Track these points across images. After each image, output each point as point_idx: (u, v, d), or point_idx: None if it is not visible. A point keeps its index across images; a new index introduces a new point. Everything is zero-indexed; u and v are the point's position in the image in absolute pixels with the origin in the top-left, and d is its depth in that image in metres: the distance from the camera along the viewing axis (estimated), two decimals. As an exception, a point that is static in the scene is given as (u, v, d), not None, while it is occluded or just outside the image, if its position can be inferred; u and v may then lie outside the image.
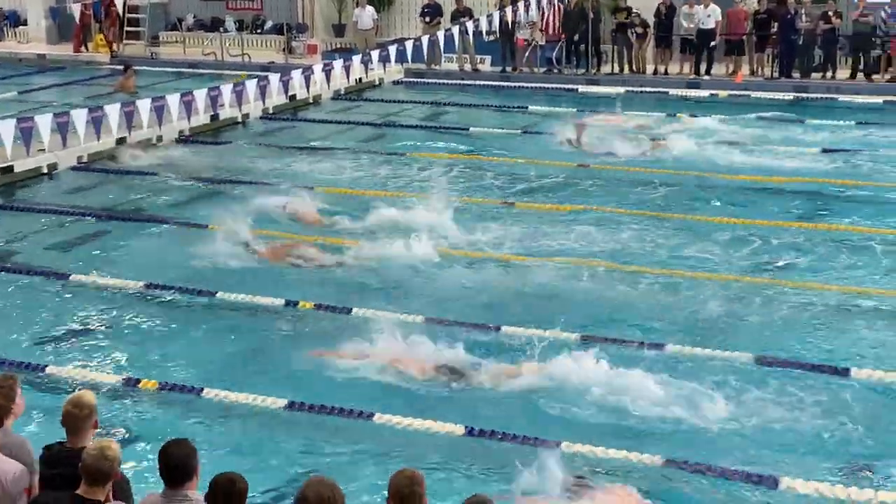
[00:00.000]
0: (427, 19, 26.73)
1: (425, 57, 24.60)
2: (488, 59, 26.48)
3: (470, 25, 24.01)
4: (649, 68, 25.11)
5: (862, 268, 11.98)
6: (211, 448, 7.74)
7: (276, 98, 21.19)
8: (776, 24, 23.83)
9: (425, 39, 23.28)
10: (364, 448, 8.08)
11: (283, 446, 8.19)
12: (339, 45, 29.03)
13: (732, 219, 13.86)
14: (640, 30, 24.69)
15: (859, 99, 22.10)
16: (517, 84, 24.81)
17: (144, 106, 17.70)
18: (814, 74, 23.86)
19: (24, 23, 32.07)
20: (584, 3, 25.41)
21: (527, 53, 25.80)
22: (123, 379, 9.25)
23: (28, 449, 5.69)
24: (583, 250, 12.70)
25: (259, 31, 30.67)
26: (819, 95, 22.56)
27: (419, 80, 25.67)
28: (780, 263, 12.22)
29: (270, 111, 21.57)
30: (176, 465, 5.24)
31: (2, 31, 32.38)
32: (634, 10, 24.85)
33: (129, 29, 30.20)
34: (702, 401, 8.67)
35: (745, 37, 24.36)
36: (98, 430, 5.81)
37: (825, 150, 17.74)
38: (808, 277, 11.68)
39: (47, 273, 12.14)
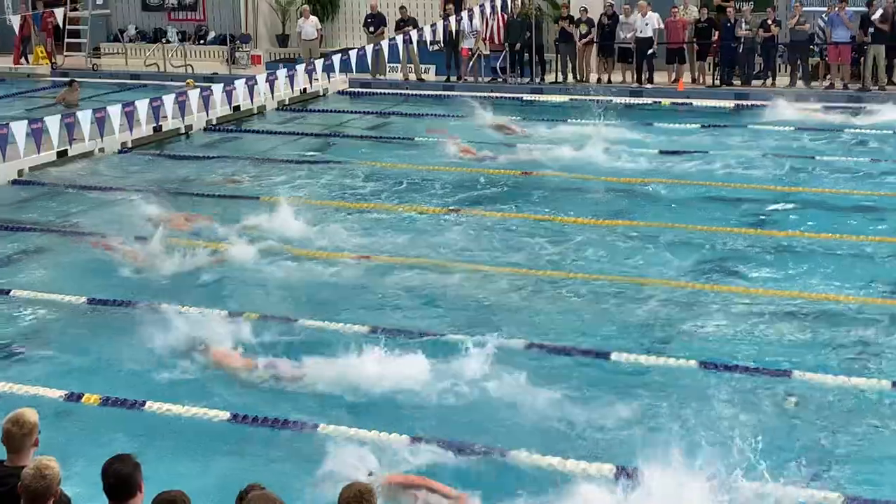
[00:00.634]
0: (371, 29, 26.72)
1: (370, 67, 24.59)
2: (432, 68, 26.54)
3: (414, 35, 24.03)
4: (593, 77, 25.30)
5: (803, 272, 12.10)
6: (155, 462, 7.64)
7: (219, 109, 21.05)
8: (717, 33, 24.14)
9: (369, 49, 23.26)
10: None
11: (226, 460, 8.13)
12: (282, 56, 28.94)
13: (676, 224, 13.98)
14: (585, 29, 24.82)
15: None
16: (462, 93, 24.86)
17: (85, 118, 17.48)
18: (754, 82, 24.17)
19: (-38, 35, 31.69)
20: (528, 12, 25.56)
21: (471, 63, 25.87)
22: (65, 394, 9.14)
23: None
24: (529, 258, 12.75)
25: (202, 41, 30.49)
26: (759, 102, 22.81)
27: (364, 90, 25.64)
28: (723, 269, 12.33)
29: (214, 122, 21.43)
30: (119, 481, 5.17)
31: (-61, 43, 31.97)
32: (581, 7, 25.02)
33: (69, 40, 29.88)
34: (645, 407, 8.72)
35: (686, 45, 24.63)
36: (38, 447, 5.72)
37: (765, 155, 17.99)
38: (751, 283, 11.79)
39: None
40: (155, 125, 19.32)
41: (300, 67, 22.35)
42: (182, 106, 19.40)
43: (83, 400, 9.04)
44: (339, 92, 25.36)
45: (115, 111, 17.96)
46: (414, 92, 25.22)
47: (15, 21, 28.49)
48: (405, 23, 25.84)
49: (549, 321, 10.83)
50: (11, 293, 11.77)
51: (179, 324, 10.26)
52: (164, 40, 29.74)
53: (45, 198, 16.20)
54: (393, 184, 16.49)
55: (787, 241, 13.31)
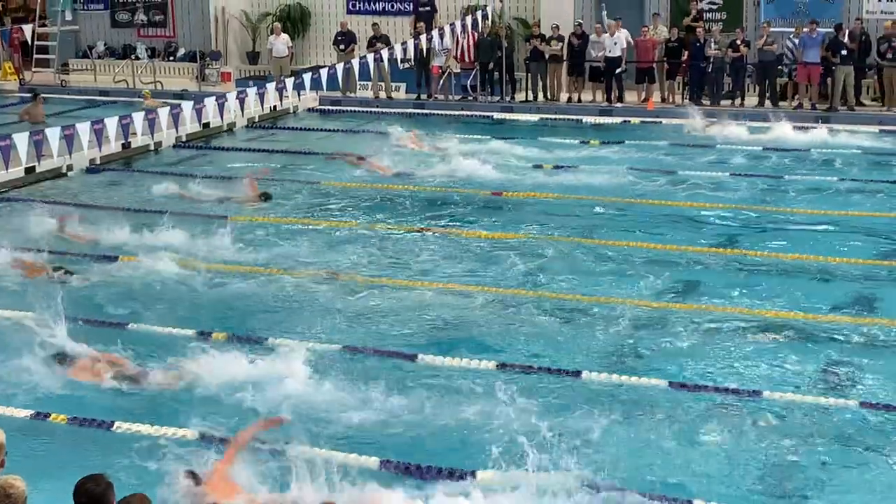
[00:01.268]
0: (341, 47, 26.73)
1: (340, 84, 24.59)
2: (403, 86, 26.56)
3: (385, 53, 24.05)
4: (563, 96, 25.40)
5: (768, 292, 12.15)
6: (126, 481, 7.56)
7: (189, 126, 20.96)
8: (686, 53, 24.31)
9: (340, 67, 23.26)
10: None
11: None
12: (253, 73, 28.93)
13: (643, 243, 14.02)
14: (556, 45, 24.91)
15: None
16: (432, 111, 24.91)
17: (54, 134, 17.38)
18: (723, 101, 24.33)
19: (-71, 50, 31.45)
20: (498, 30, 25.64)
21: (441, 81, 25.92)
22: (32, 413, 9.04)
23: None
24: (498, 277, 12.75)
25: (171, 58, 30.41)
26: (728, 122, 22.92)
27: (334, 107, 25.61)
28: (690, 288, 12.36)
29: (184, 139, 21.34)
30: (92, 501, 5.13)
31: None
32: (553, 24, 25.13)
33: (38, 56, 29.73)
34: (615, 426, 8.72)
35: (655, 64, 24.78)
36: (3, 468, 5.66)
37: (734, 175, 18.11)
38: (718, 302, 11.82)
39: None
40: (124, 142, 19.21)
41: (270, 85, 22.31)
42: (151, 123, 19.33)
43: (50, 419, 8.94)
44: (309, 109, 25.32)
45: (83, 128, 17.85)
46: (384, 110, 25.20)
47: (-18, 37, 28.35)
48: (377, 40, 25.86)
49: (518, 340, 10.82)
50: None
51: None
52: (133, 57, 29.63)
53: (11, 215, 16.05)
54: (357, 201, 16.49)
55: (754, 261, 13.35)
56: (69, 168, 18.56)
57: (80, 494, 5.15)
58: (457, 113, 24.71)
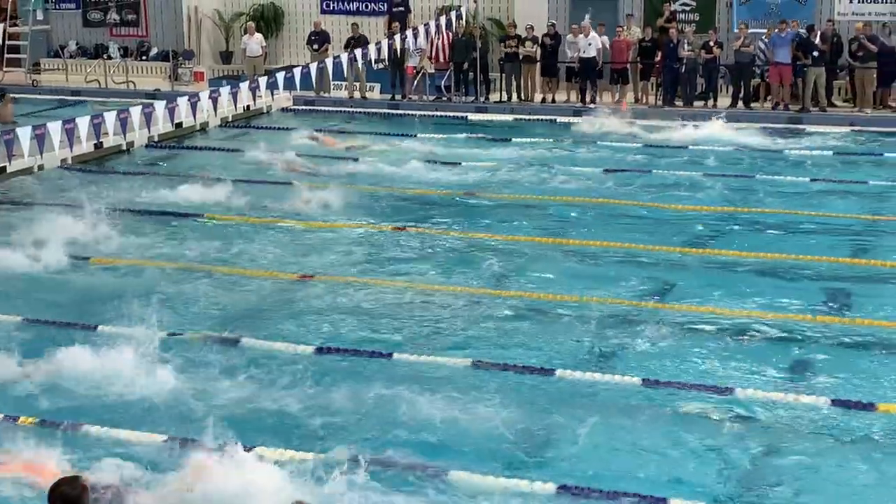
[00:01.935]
0: (315, 47, 26.67)
1: (314, 84, 24.52)
2: (377, 86, 26.51)
3: (359, 53, 24.00)
4: (537, 97, 25.42)
5: (741, 291, 12.19)
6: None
7: (161, 126, 20.84)
8: (660, 53, 24.38)
9: (313, 67, 23.19)
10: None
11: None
12: (226, 73, 28.80)
13: (616, 243, 14.05)
14: (530, 45, 24.93)
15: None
16: (407, 112, 24.89)
17: (25, 134, 17.26)
18: (696, 102, 24.42)
19: None
20: (473, 31, 25.64)
21: (416, 81, 25.89)
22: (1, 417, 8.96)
23: None
24: (473, 275, 12.75)
25: (144, 57, 30.23)
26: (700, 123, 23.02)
27: (308, 107, 25.54)
28: (662, 288, 12.40)
29: (156, 139, 21.22)
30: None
31: None
32: (528, 24, 25.15)
33: (9, 56, 29.50)
34: (589, 424, 8.74)
35: (629, 65, 24.84)
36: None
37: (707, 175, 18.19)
38: (689, 301, 11.86)
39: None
40: (96, 142, 19.10)
41: (244, 84, 22.24)
42: (123, 123, 19.22)
43: (18, 422, 8.86)
44: (282, 109, 25.24)
45: (55, 128, 17.73)
46: (359, 110, 25.17)
47: (-48, 36, 28.12)
48: (356, 41, 25.79)
49: (492, 338, 10.82)
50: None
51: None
52: (105, 56, 29.46)
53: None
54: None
55: (724, 260, 13.40)
56: (40, 168, 18.42)
57: (55, 497, 5.10)
58: (431, 113, 24.71)
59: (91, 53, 30.48)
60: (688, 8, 26.05)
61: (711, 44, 24.11)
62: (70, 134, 17.97)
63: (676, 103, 24.39)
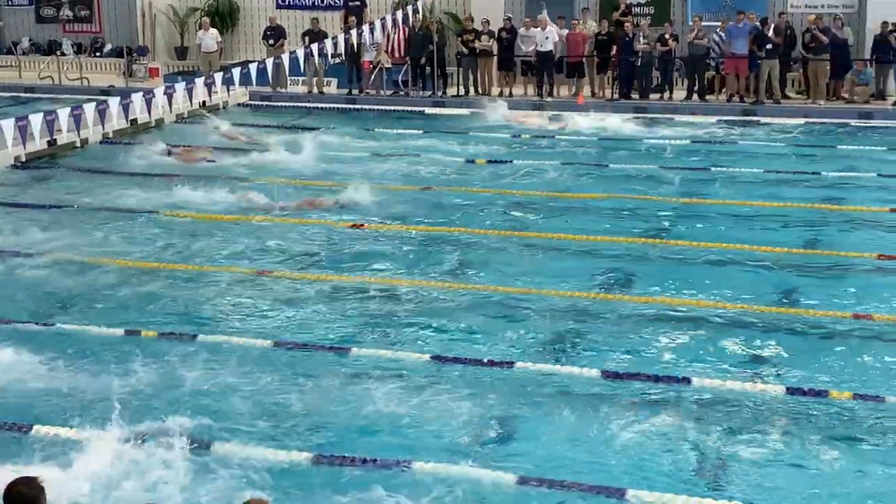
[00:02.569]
0: (270, 42, 26.55)
1: (270, 80, 24.42)
2: (334, 81, 26.45)
3: (315, 48, 23.90)
4: (494, 91, 25.44)
5: (699, 281, 12.28)
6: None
7: (116, 122, 20.66)
8: (615, 47, 24.48)
9: (269, 62, 23.08)
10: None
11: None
12: (181, 69, 28.60)
13: (577, 236, 14.10)
14: (487, 40, 24.95)
15: (695, 119, 22.91)
16: (364, 106, 24.86)
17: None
18: (652, 95, 24.56)
19: None
20: (430, 25, 25.62)
21: (373, 76, 25.84)
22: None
23: None
24: (434, 269, 12.75)
25: (98, 54, 29.99)
26: (657, 115, 23.20)
27: (264, 103, 25.43)
28: (622, 279, 12.46)
29: (111, 136, 21.03)
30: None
31: None
32: (483, 18, 25.17)
33: (-40, 53, 29.21)
34: (548, 416, 8.77)
35: (585, 59, 24.92)
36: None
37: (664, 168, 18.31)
38: (649, 292, 11.92)
39: None
40: (49, 139, 18.90)
41: (199, 80, 22.08)
42: (77, 119, 19.03)
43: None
44: (239, 105, 25.11)
45: (8, 125, 17.52)
46: (315, 105, 25.10)
47: None
48: (315, 34, 25.67)
49: (451, 332, 10.83)
50: None
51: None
52: (58, 53, 29.19)
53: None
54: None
55: (681, 251, 13.49)
56: (-7, 165, 18.24)
57: (10, 497, 5.04)
58: (388, 108, 24.69)
59: (44, 50, 30.21)
60: (643, 1, 26.20)
61: (667, 37, 24.26)
62: (23, 131, 17.77)
63: (633, 96, 24.53)
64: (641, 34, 24.30)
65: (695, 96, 24.37)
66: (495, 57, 25.29)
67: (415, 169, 18.55)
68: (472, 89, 25.52)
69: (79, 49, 30.00)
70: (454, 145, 20.71)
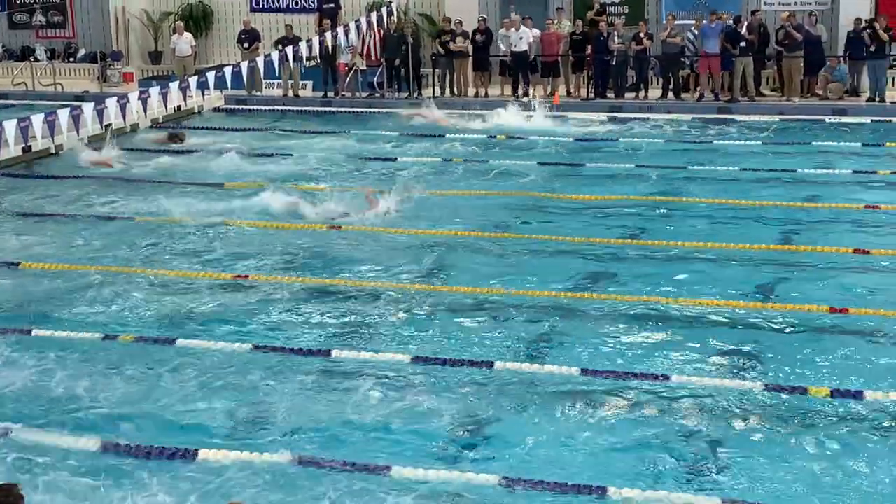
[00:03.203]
0: (245, 45, 26.48)
1: (245, 83, 24.36)
2: (310, 84, 26.40)
3: (289, 51, 23.85)
4: (470, 91, 25.45)
5: (673, 279, 12.31)
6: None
7: (90, 127, 20.54)
8: (590, 46, 24.52)
9: (244, 66, 23.02)
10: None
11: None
12: (156, 73, 28.49)
13: (554, 236, 14.11)
14: (462, 40, 24.96)
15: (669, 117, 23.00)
16: (339, 109, 24.83)
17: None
18: (627, 94, 24.62)
19: None
20: (404, 27, 25.61)
21: (348, 78, 25.81)
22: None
23: None
24: (410, 271, 12.74)
25: (72, 59, 29.84)
26: (633, 115, 23.27)
27: (240, 106, 25.37)
28: (599, 278, 12.48)
29: (86, 142, 20.90)
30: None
31: None
32: (457, 19, 25.19)
33: (-68, 59, 29.00)
34: (525, 415, 8.78)
35: (560, 59, 24.96)
36: None
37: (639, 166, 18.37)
38: (628, 291, 11.94)
39: None
40: (24, 146, 18.79)
41: (174, 85, 21.99)
42: (52, 126, 18.91)
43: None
44: (214, 109, 25.04)
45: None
46: (291, 108, 25.06)
47: None
48: (289, 40, 25.62)
49: (431, 333, 10.82)
50: None
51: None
52: (32, 59, 29.00)
53: None
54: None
55: (659, 250, 13.53)
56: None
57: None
58: (364, 110, 24.69)
59: (17, 56, 30.02)
60: (617, 1, 26.26)
61: (641, 35, 24.32)
62: (-4, 138, 17.68)
63: (608, 95, 24.58)
64: (616, 33, 24.36)
65: (670, 95, 24.45)
66: (470, 57, 25.29)
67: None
68: (447, 90, 25.51)
69: (52, 55, 29.84)
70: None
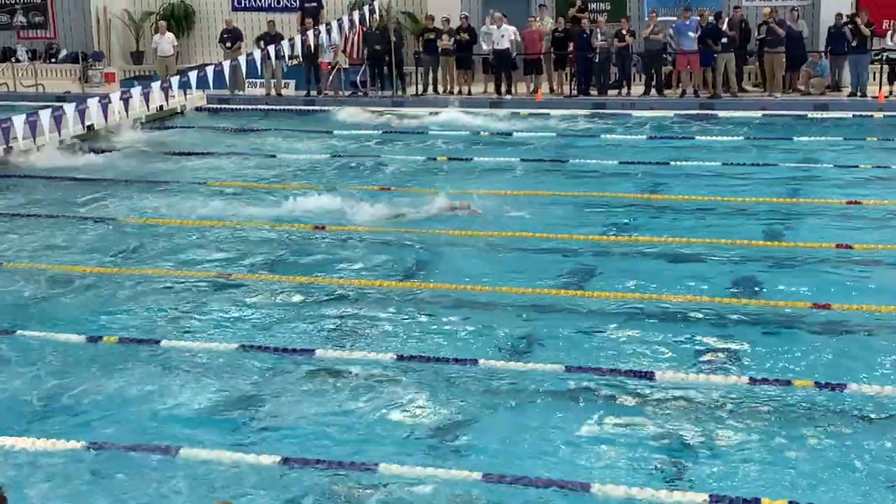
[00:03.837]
0: (227, 45, 26.42)
1: (227, 83, 24.30)
2: (292, 83, 26.36)
3: (272, 49, 23.81)
4: (455, 89, 25.43)
5: (656, 276, 12.33)
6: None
7: (72, 128, 20.47)
8: (572, 44, 24.55)
9: (227, 65, 22.96)
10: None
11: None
12: (138, 73, 28.42)
13: (534, 234, 14.12)
14: (447, 38, 24.97)
15: (650, 114, 23.07)
16: (322, 108, 24.80)
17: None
18: (610, 91, 24.65)
19: None
20: (387, 25, 25.59)
21: (331, 77, 25.77)
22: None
23: None
24: (389, 270, 12.73)
25: (53, 60, 29.72)
26: (616, 111, 23.33)
27: (222, 106, 25.31)
28: (583, 275, 12.49)
29: (67, 142, 20.83)
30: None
31: None
32: (444, 17, 25.19)
33: (-88, 61, 28.84)
34: (510, 412, 8.78)
35: (543, 56, 24.97)
36: None
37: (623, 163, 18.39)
38: (606, 287, 11.96)
39: None
40: (5, 146, 18.71)
41: (156, 84, 21.93)
42: (33, 126, 18.85)
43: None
44: (197, 108, 24.97)
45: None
46: (273, 107, 25.02)
47: None
48: (271, 37, 25.58)
49: (415, 331, 10.81)
50: None
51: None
52: (13, 59, 28.87)
53: None
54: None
55: (640, 246, 13.55)
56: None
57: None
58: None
59: (-2, 57, 29.89)
60: (599, -3, 26.32)
61: (624, 32, 24.36)
62: (-21, 138, 17.61)
63: (591, 92, 24.61)
64: (598, 30, 24.39)
65: (653, 91, 24.49)
66: (453, 55, 25.29)
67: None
68: (430, 88, 25.50)
69: (33, 55, 29.71)
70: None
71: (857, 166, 17.81)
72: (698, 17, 23.84)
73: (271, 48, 23.89)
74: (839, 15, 23.66)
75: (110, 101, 20.63)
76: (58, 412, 9.01)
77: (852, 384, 9.09)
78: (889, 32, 24.20)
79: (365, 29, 25.72)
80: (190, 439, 8.38)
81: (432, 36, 25.16)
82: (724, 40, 23.64)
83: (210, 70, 22.30)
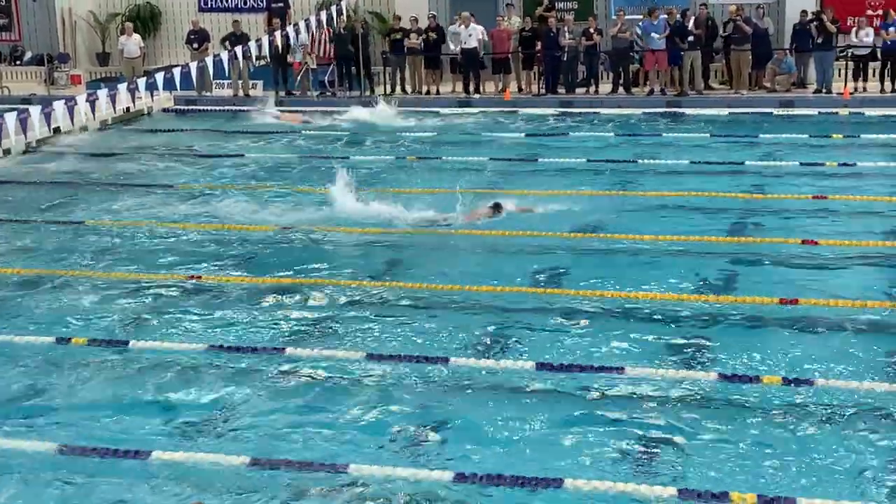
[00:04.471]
0: (194, 45, 26.31)
1: (195, 84, 24.20)
2: (260, 83, 26.29)
3: (239, 50, 23.74)
4: (423, 89, 25.44)
5: (624, 273, 12.38)
6: None
7: (38, 131, 20.34)
8: (540, 42, 24.61)
9: (193, 66, 22.87)
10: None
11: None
12: (104, 75, 28.25)
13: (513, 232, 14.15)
14: (416, 38, 24.98)
15: (620, 112, 23.15)
16: (291, 109, 24.73)
17: None
18: (578, 89, 24.73)
19: None
20: (355, 24, 25.57)
21: (299, 77, 25.72)
22: None
23: None
24: (364, 270, 12.72)
25: (18, 62, 29.50)
26: (583, 110, 23.40)
27: (190, 107, 25.21)
28: (553, 273, 12.52)
29: (34, 145, 20.71)
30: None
31: None
32: (412, 16, 25.19)
33: None
34: (481, 411, 8.80)
35: (511, 55, 25.03)
36: None
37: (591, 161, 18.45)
38: (580, 286, 12.00)
39: None
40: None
41: (122, 86, 21.82)
42: (-3, 128, 18.74)
43: None
44: (164, 110, 24.87)
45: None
46: (241, 108, 24.94)
47: None
48: (237, 37, 25.50)
49: (385, 330, 10.81)
50: None
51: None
52: (-23, 62, 28.67)
53: None
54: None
55: (612, 245, 13.60)
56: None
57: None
58: (315, 109, 24.62)
59: (-38, 60, 29.65)
60: (566, -4, 26.41)
61: (591, 31, 24.44)
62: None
63: (559, 91, 24.69)
64: (566, 29, 24.46)
65: (620, 89, 24.60)
66: (422, 55, 25.31)
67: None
68: (398, 88, 25.50)
69: (-2, 58, 29.53)
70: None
71: (823, 164, 17.94)
72: (666, 16, 23.96)
73: (238, 49, 23.80)
74: (804, 12, 23.85)
75: (76, 104, 20.49)
76: (27, 413, 8.95)
77: (820, 379, 9.17)
78: (854, 29, 24.40)
79: (332, 29, 25.69)
80: (161, 441, 8.35)
81: (399, 36, 25.16)
82: (691, 38, 23.76)
83: (177, 71, 22.20)
